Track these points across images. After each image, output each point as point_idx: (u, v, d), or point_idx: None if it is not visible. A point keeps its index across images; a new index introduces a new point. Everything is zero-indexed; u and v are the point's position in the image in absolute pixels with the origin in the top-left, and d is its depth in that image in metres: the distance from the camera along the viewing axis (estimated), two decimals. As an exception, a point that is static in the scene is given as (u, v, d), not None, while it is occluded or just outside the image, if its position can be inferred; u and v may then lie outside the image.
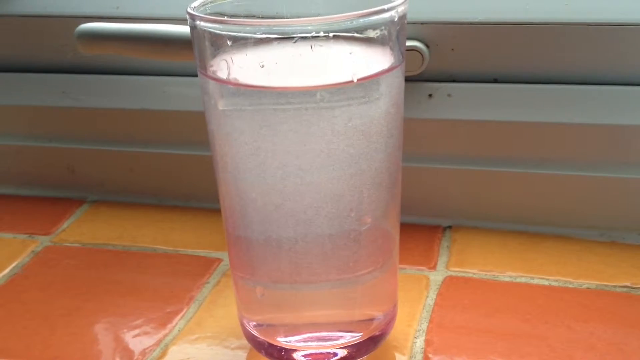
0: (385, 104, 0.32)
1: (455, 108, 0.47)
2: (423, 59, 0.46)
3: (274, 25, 0.29)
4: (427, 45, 0.46)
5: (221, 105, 0.33)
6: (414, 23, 0.46)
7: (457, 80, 0.47)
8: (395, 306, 0.38)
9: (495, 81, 0.47)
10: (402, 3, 0.31)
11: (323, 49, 0.31)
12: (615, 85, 0.45)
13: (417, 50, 0.46)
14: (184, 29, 0.43)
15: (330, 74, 0.31)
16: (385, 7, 0.30)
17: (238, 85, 0.31)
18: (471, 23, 0.46)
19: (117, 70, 0.53)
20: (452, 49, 0.47)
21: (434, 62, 0.47)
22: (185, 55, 0.43)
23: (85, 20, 0.46)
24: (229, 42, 0.31)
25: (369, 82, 0.31)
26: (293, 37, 0.30)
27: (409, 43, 0.46)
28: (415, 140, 0.47)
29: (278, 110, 0.31)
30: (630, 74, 0.45)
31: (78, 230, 0.49)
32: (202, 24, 0.30)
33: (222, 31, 0.30)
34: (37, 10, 0.53)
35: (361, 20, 0.29)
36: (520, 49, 0.46)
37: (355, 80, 0.30)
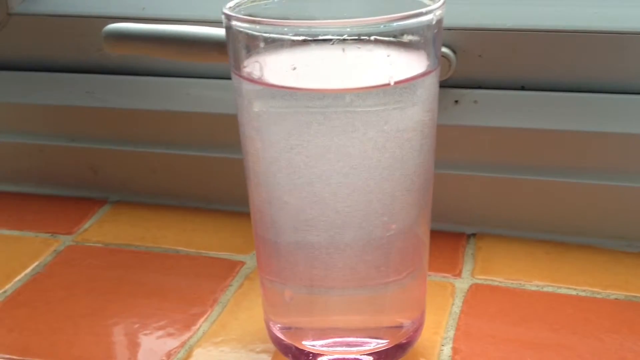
0: (420, 110, 0.32)
1: (482, 115, 0.47)
2: (450, 65, 0.46)
3: (310, 27, 0.29)
4: (454, 51, 0.46)
5: (254, 106, 0.33)
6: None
7: (484, 86, 0.47)
8: (423, 314, 0.37)
9: (523, 88, 0.47)
10: (440, 7, 0.30)
11: (358, 53, 0.31)
12: (644, 94, 0.45)
13: (444, 56, 0.46)
14: (210, 31, 0.43)
15: (367, 77, 0.31)
16: (424, 10, 0.29)
17: (269, 85, 0.31)
18: (499, 29, 0.46)
19: (141, 71, 0.53)
20: (479, 55, 0.46)
21: (460, 68, 0.46)
22: (212, 57, 0.43)
23: (112, 20, 0.46)
24: (262, 44, 0.31)
25: (405, 86, 0.31)
26: (327, 40, 0.30)
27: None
28: (440, 147, 0.46)
29: (311, 114, 0.31)
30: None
31: (100, 230, 0.49)
32: (238, 24, 0.30)
33: (257, 32, 0.30)
34: (63, 10, 0.53)
35: (398, 23, 0.29)
36: (548, 56, 0.45)
37: (392, 84, 0.30)
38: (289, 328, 0.36)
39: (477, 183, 0.47)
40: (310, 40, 0.30)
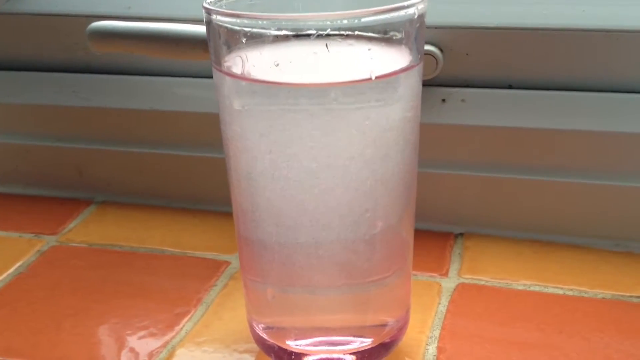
0: (402, 107, 0.32)
1: (469, 113, 0.46)
2: (437, 64, 0.46)
3: (290, 20, 0.29)
4: (441, 50, 0.46)
5: (236, 104, 0.32)
6: (428, 27, 0.45)
7: (471, 85, 0.47)
8: (407, 312, 0.37)
9: (510, 87, 0.46)
10: (421, 1, 0.30)
11: (339, 48, 0.30)
12: (633, 93, 0.44)
13: (431, 55, 0.45)
14: (195, 28, 0.42)
15: (347, 72, 0.31)
16: (405, 4, 0.29)
17: (251, 80, 0.30)
18: (486, 28, 0.45)
19: (127, 70, 0.52)
20: (467, 54, 0.46)
21: (448, 67, 0.46)
22: (197, 54, 0.43)
23: (97, 19, 0.45)
24: (243, 40, 0.31)
25: (386, 82, 0.31)
26: (308, 35, 0.30)
27: (423, 47, 0.45)
28: (427, 146, 0.46)
29: (293, 111, 0.31)
30: (648, 82, 0.44)
31: (85, 230, 0.49)
32: (218, 17, 0.30)
33: (238, 26, 0.30)
34: (48, 9, 0.53)
35: (380, 16, 0.29)
36: (536, 54, 0.45)
37: (373, 78, 0.29)
38: (272, 327, 0.36)
39: (465, 182, 0.47)
40: (292, 36, 0.30)
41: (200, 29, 0.42)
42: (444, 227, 0.48)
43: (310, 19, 0.28)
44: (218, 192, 0.50)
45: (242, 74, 0.31)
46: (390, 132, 0.32)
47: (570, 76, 0.45)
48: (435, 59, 0.46)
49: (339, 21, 0.28)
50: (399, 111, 0.32)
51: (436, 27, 0.45)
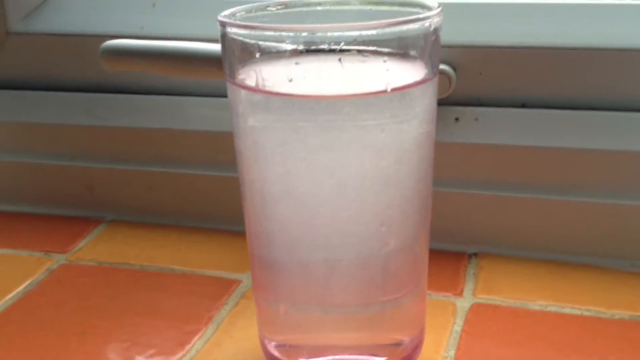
0: (418, 124, 0.32)
1: (482, 132, 0.46)
2: (450, 82, 0.46)
3: (305, 32, 0.29)
4: (454, 68, 0.46)
5: (249, 120, 0.32)
6: (441, 46, 0.45)
7: (485, 104, 0.47)
8: (422, 332, 0.36)
9: (524, 106, 0.46)
10: (436, 14, 0.30)
11: (354, 64, 0.30)
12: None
13: (445, 73, 0.45)
14: (208, 47, 0.42)
15: (363, 85, 0.30)
16: (420, 16, 0.29)
17: (265, 92, 0.30)
18: (499, 47, 0.45)
19: (139, 89, 0.52)
20: (480, 73, 0.46)
21: (461, 86, 0.46)
22: (210, 72, 0.43)
23: (110, 39, 0.46)
24: (257, 54, 0.31)
25: (401, 96, 0.30)
26: (324, 51, 0.30)
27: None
28: (441, 164, 0.46)
29: (307, 127, 0.30)
30: (663, 101, 0.44)
31: (95, 249, 0.49)
32: (233, 30, 0.30)
33: (252, 39, 0.30)
34: (62, 29, 0.53)
35: (395, 28, 0.29)
36: (549, 73, 0.45)
37: (389, 90, 0.29)
38: (284, 345, 0.35)
39: (479, 201, 0.46)
40: (307, 51, 0.30)
41: (214, 47, 0.42)
42: (458, 247, 0.47)
43: (325, 29, 0.28)
44: (230, 211, 0.49)
45: (255, 87, 0.31)
46: (405, 149, 0.31)
47: (584, 95, 0.45)
48: (449, 78, 0.45)
49: (354, 32, 0.28)
50: (415, 128, 0.32)
51: (449, 46, 0.45)
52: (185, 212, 0.52)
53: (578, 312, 0.40)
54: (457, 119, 0.46)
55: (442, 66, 0.45)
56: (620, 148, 0.44)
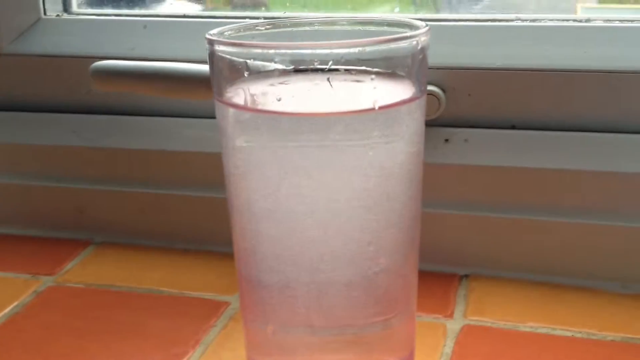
0: (405, 144, 0.31)
1: (472, 153, 0.46)
2: (439, 104, 0.46)
3: (292, 48, 0.29)
4: (443, 90, 0.46)
5: (238, 141, 0.32)
6: (430, 68, 0.45)
7: (474, 125, 0.47)
8: (411, 354, 0.36)
9: (513, 127, 0.46)
10: (424, 33, 0.30)
11: (342, 83, 0.30)
12: (635, 133, 0.44)
13: (434, 95, 0.45)
14: (198, 67, 0.42)
15: (350, 104, 0.30)
16: (408, 34, 0.29)
17: (253, 110, 0.30)
18: (488, 69, 0.45)
19: (128, 111, 0.52)
20: (469, 94, 0.46)
21: (450, 107, 0.46)
22: (200, 93, 0.43)
23: (101, 60, 0.46)
24: (245, 73, 0.31)
25: (389, 114, 0.30)
26: (312, 70, 0.30)
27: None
28: (431, 186, 0.46)
29: (296, 148, 0.30)
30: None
31: (83, 271, 0.48)
32: (220, 47, 0.30)
33: (240, 57, 0.30)
34: (52, 50, 0.53)
35: (382, 46, 0.29)
36: (538, 95, 0.45)
37: (376, 108, 0.29)
38: (272, 367, 0.35)
39: (469, 222, 0.46)
40: (295, 71, 0.30)
41: (203, 68, 0.42)
42: (448, 269, 0.47)
43: (313, 47, 0.28)
44: (220, 233, 0.49)
45: (244, 105, 0.31)
46: (393, 169, 0.31)
47: (573, 116, 0.45)
48: (438, 99, 0.46)
49: (342, 50, 0.28)
50: (403, 147, 0.32)
51: (439, 68, 0.46)
52: (176, 234, 0.51)
53: (569, 334, 0.40)
54: (447, 140, 0.47)
55: (431, 87, 0.45)
56: (610, 169, 0.44)
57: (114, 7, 0.57)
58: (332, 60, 0.29)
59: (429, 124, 0.46)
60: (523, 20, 0.48)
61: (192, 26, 0.52)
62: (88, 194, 0.52)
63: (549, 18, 0.47)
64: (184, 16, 0.53)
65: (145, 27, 0.52)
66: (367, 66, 0.30)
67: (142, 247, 0.51)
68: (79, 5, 0.56)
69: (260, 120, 0.31)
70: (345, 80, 0.30)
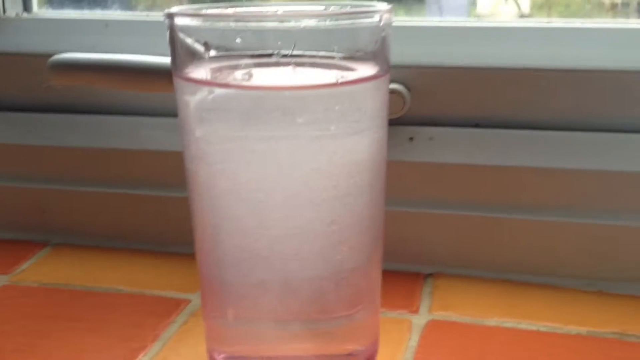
0: (369, 129, 0.31)
1: (437, 151, 0.46)
2: (404, 102, 0.46)
3: (255, 19, 0.28)
4: (408, 89, 0.46)
5: (198, 131, 0.31)
6: (395, 66, 0.45)
7: (439, 124, 0.47)
8: (375, 342, 0.35)
9: (477, 126, 0.46)
10: (387, 11, 0.30)
11: (306, 68, 0.30)
12: (596, 131, 0.45)
13: (399, 93, 0.45)
14: (158, 59, 0.42)
15: (314, 80, 0.30)
16: (371, 9, 0.29)
17: (214, 84, 0.29)
18: (452, 67, 0.46)
19: (87, 109, 0.51)
20: (434, 93, 0.46)
21: (415, 106, 0.46)
22: (161, 86, 0.42)
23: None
24: (207, 56, 0.30)
25: (352, 96, 0.30)
26: (274, 58, 0.29)
27: (390, 86, 0.45)
28: (396, 184, 0.45)
29: (257, 139, 0.30)
30: (611, 120, 0.44)
31: (39, 270, 0.47)
32: (180, 21, 0.29)
33: (200, 32, 0.29)
34: (11, 49, 0.52)
35: (347, 21, 0.28)
36: (502, 93, 0.45)
37: (339, 81, 0.29)
38: (234, 357, 0.34)
39: (434, 221, 0.46)
40: (258, 57, 0.29)
41: (164, 60, 0.41)
42: (413, 267, 0.46)
43: (276, 17, 0.28)
44: (181, 233, 0.48)
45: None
46: (357, 163, 0.31)
47: (536, 115, 0.45)
48: (403, 98, 0.45)
49: (306, 21, 0.27)
50: (366, 132, 0.31)
51: (404, 67, 0.46)
52: (137, 234, 0.50)
53: (534, 328, 0.40)
54: (411, 139, 0.46)
55: (397, 86, 0.45)
56: (574, 167, 0.44)
57: (75, 7, 0.56)
58: (296, 35, 0.28)
59: (394, 122, 0.46)
60: (485, 21, 0.48)
61: (154, 25, 0.51)
62: (47, 194, 0.51)
63: (509, 19, 0.48)
64: (147, 15, 0.52)
65: (106, 25, 0.51)
66: (330, 46, 0.29)
67: (101, 248, 0.49)
68: (39, 5, 0.55)
69: (222, 101, 0.30)
70: (309, 65, 0.30)
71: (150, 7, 0.58)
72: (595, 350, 0.38)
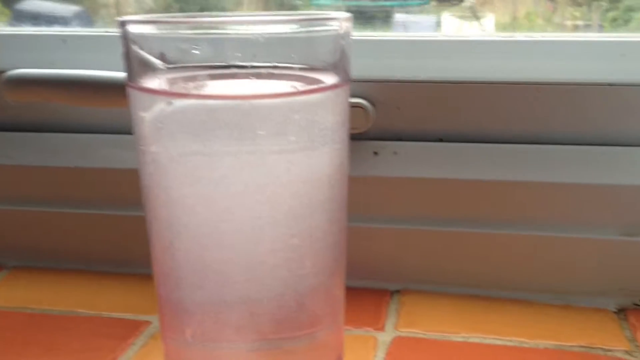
0: (330, 151, 0.30)
1: (401, 166, 0.45)
2: (368, 117, 0.45)
3: (210, 24, 0.27)
4: (372, 103, 0.45)
5: (153, 147, 0.30)
6: (359, 81, 0.45)
7: (403, 138, 0.46)
8: (339, 357, 0.34)
9: (441, 140, 0.46)
10: (345, 19, 0.29)
11: (264, 80, 0.29)
12: (560, 144, 0.45)
13: (363, 108, 0.45)
14: (114, 74, 0.41)
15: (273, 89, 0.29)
16: (329, 16, 0.28)
17: (168, 94, 0.28)
18: (417, 81, 0.45)
19: (41, 127, 0.50)
20: (398, 107, 0.46)
21: (379, 120, 0.46)
22: (117, 101, 0.41)
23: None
24: (162, 66, 0.29)
25: (311, 107, 0.29)
26: (233, 74, 0.28)
27: (353, 100, 0.45)
28: (360, 199, 0.45)
29: (214, 157, 0.29)
30: (575, 133, 0.44)
31: (-8, 294, 0.45)
32: (133, 28, 0.28)
33: (155, 39, 0.28)
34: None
35: (306, 28, 0.28)
36: (466, 108, 0.45)
37: (297, 89, 0.28)
38: (193, 378, 0.32)
39: (399, 236, 0.45)
40: (215, 68, 0.29)
41: (119, 75, 0.40)
42: (379, 284, 0.46)
43: (235, 22, 0.27)
44: (139, 254, 0.46)
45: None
46: (316, 178, 0.30)
47: (499, 129, 0.45)
48: (367, 112, 0.45)
49: (264, 26, 0.27)
50: (326, 153, 0.31)
51: (367, 81, 0.45)
52: (94, 255, 0.49)
53: (500, 343, 0.39)
54: (375, 153, 0.46)
55: (360, 100, 0.45)
56: (539, 179, 0.44)
57: (33, 25, 0.55)
58: (254, 45, 0.28)
59: (358, 137, 0.46)
60: (448, 35, 0.48)
61: (113, 40, 0.50)
62: (1, 215, 0.49)
63: (473, 33, 0.48)
64: (106, 31, 0.51)
65: (64, 41, 0.50)
66: (289, 56, 0.29)
67: (57, 271, 0.48)
68: (-4, 22, 0.54)
69: (177, 114, 0.29)
70: (268, 77, 0.29)
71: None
72: (564, 364, 0.37)
